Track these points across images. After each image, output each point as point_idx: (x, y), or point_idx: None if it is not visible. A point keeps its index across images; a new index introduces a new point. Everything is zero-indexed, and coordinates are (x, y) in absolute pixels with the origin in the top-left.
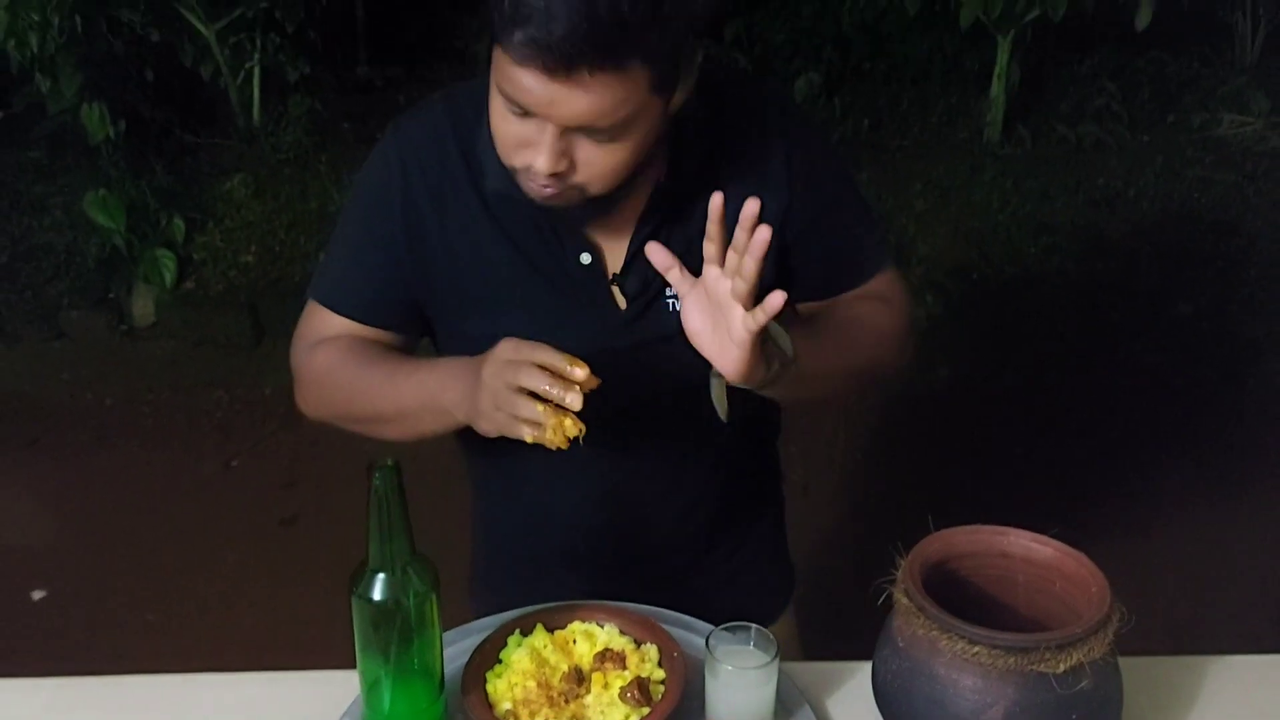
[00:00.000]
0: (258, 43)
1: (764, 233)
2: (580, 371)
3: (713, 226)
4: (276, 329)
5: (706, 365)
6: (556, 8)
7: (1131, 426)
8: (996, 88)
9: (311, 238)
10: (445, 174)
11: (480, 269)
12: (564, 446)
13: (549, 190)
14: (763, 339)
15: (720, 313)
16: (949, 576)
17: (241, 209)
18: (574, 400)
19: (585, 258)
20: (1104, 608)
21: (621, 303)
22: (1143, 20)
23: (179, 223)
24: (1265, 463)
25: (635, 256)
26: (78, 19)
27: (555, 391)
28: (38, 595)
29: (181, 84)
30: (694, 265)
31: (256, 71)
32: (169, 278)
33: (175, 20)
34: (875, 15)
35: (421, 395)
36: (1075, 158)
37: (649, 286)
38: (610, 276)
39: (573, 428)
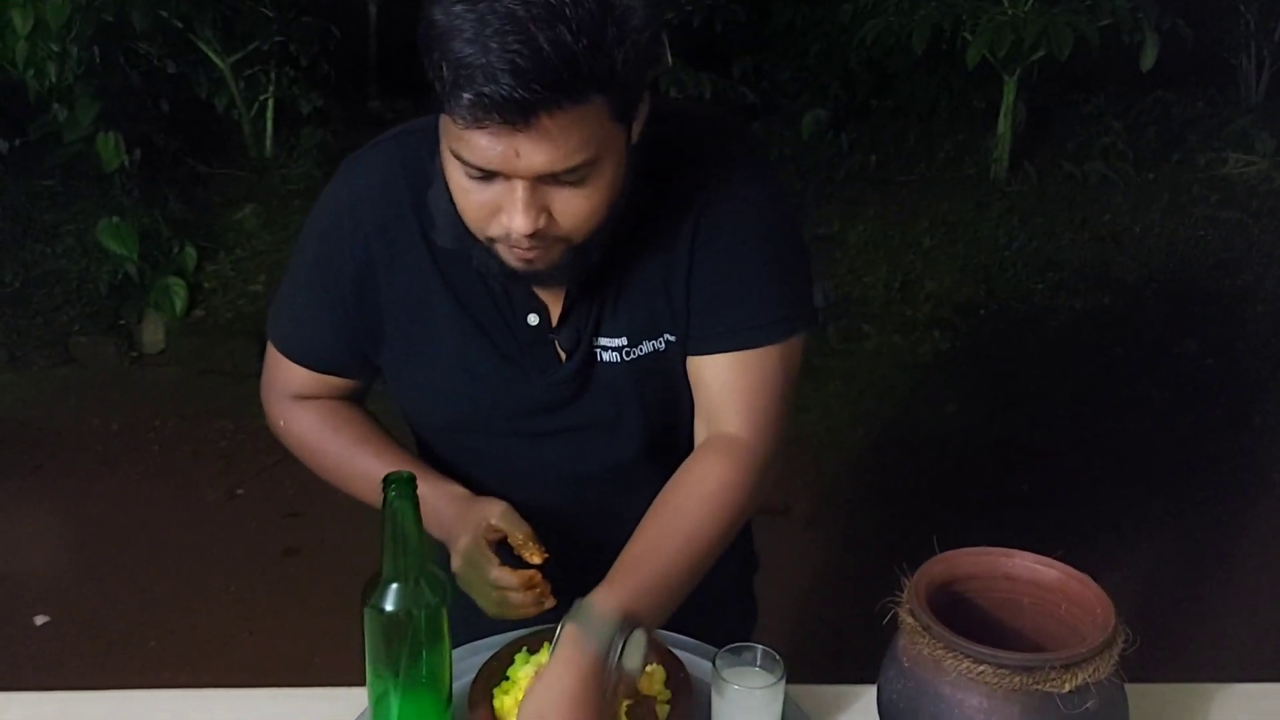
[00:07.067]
0: (272, 76)
1: None
2: (536, 567)
3: None
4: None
5: (650, 423)
6: (498, 59)
7: (1137, 461)
8: (1003, 125)
9: None
10: (395, 220)
11: (426, 325)
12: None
13: (532, 254)
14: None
15: None
16: (954, 599)
17: (252, 238)
18: (548, 601)
19: (533, 318)
20: (1109, 628)
21: (562, 356)
22: (1147, 61)
23: (191, 251)
24: (1272, 495)
25: (570, 309)
26: (96, 50)
27: (520, 600)
28: (40, 620)
29: (195, 115)
30: (614, 309)
31: (270, 104)
32: (179, 306)
33: (192, 52)
34: (882, 53)
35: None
36: (1081, 195)
37: (581, 338)
38: (551, 331)
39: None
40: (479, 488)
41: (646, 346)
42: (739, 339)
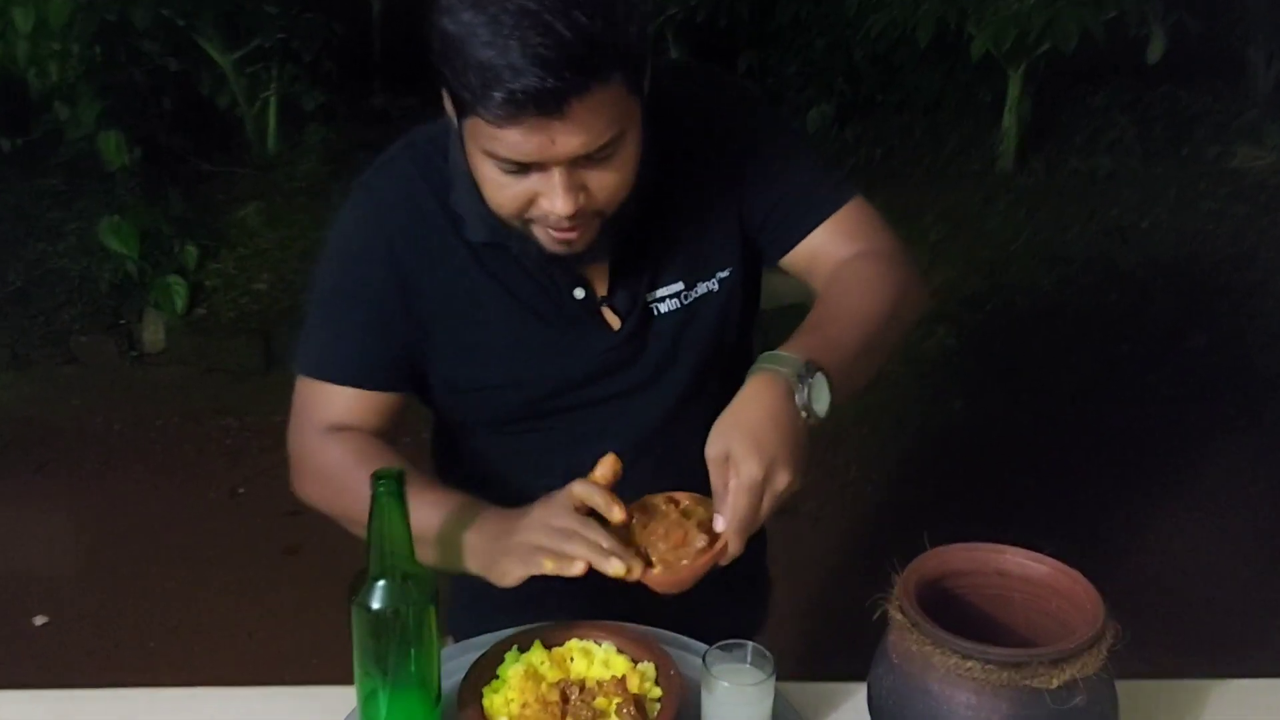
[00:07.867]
0: (274, 73)
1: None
2: (618, 512)
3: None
4: (287, 357)
5: (701, 364)
6: (520, 55)
7: (1145, 456)
8: (1009, 119)
9: None
10: (426, 227)
11: (476, 317)
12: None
13: (573, 234)
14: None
15: None
16: (946, 594)
17: (255, 237)
18: (616, 567)
19: (579, 292)
20: (1098, 624)
21: (615, 322)
22: (1154, 53)
23: (192, 249)
24: (1274, 493)
25: (618, 274)
26: (98, 48)
27: (597, 559)
28: (39, 620)
29: (198, 113)
30: (668, 260)
31: (273, 101)
32: (180, 304)
33: (193, 50)
34: (887, 47)
35: (433, 525)
36: (1089, 189)
37: (637, 299)
38: (599, 300)
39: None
40: (516, 482)
41: (701, 288)
42: (823, 209)
